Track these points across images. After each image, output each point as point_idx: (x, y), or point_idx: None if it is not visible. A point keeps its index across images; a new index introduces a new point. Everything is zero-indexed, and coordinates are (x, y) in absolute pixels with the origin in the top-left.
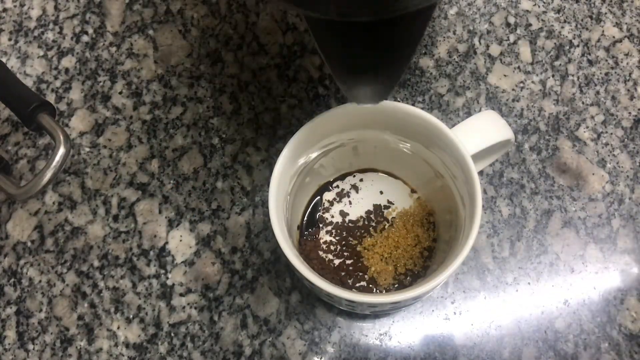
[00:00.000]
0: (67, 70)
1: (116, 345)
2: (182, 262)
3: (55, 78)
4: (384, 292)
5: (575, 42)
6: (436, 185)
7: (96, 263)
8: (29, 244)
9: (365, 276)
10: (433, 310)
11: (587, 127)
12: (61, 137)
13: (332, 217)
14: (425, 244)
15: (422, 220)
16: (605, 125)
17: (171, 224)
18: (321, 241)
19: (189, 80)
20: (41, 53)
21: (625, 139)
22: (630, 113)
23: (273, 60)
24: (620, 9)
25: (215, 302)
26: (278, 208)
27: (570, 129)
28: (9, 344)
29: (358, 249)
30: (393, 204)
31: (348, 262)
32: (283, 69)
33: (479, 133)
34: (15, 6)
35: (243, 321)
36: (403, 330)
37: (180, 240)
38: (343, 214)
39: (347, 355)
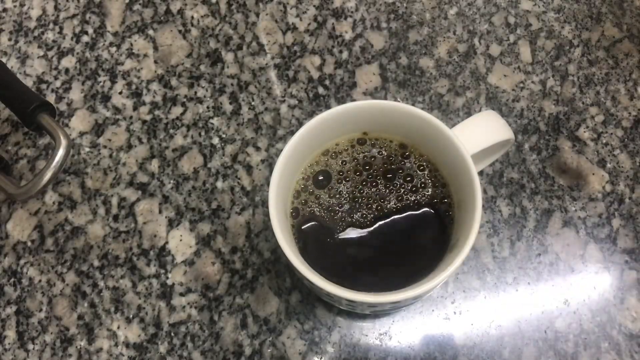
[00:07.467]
0: (67, 70)
1: (116, 345)
2: (182, 261)
3: (55, 78)
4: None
5: (575, 42)
6: None
7: (96, 263)
8: (29, 243)
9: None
10: (433, 310)
11: (587, 127)
12: (61, 137)
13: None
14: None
15: None
16: (605, 125)
17: (171, 224)
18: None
19: (189, 80)
20: (41, 53)
21: (625, 139)
22: (630, 113)
23: (273, 60)
24: (620, 9)
25: (215, 302)
26: (278, 208)
27: (570, 129)
28: (9, 344)
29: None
30: None
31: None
32: (283, 69)
33: (479, 133)
34: (15, 6)
35: (243, 321)
36: (403, 330)
37: (180, 240)
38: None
39: (347, 355)
